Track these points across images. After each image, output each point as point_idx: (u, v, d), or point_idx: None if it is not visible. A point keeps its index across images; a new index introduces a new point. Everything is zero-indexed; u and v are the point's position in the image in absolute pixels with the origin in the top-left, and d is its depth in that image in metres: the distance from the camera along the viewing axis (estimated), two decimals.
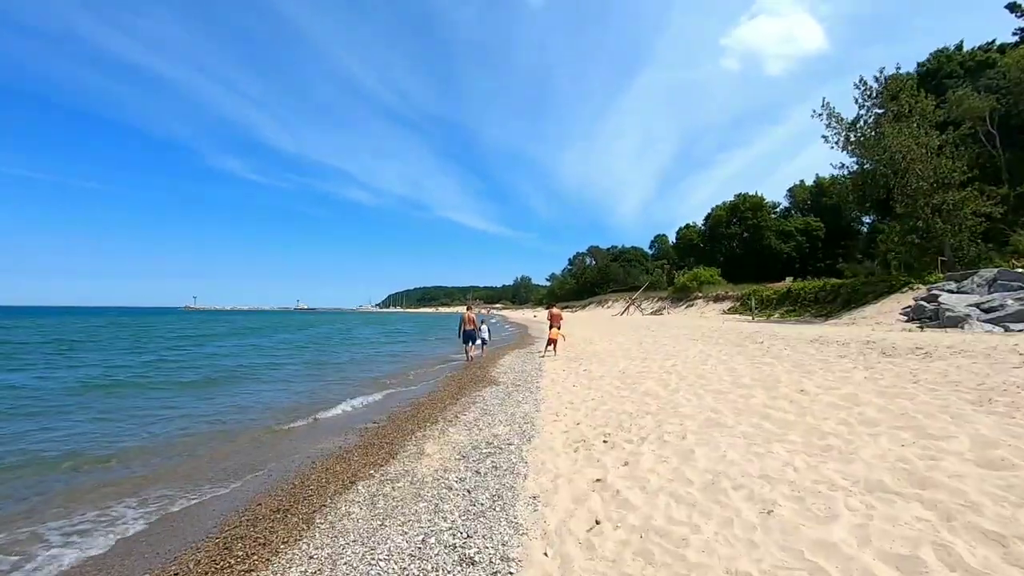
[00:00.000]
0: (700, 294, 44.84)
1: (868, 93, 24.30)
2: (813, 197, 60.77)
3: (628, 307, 48.46)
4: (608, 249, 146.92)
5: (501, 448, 5.84)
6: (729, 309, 36.75)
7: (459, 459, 5.51)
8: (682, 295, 47.28)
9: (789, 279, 46.83)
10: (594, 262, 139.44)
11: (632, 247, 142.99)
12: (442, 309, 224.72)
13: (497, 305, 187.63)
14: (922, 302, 18.91)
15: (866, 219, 58.75)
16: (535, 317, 72.01)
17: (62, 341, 27.43)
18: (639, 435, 5.61)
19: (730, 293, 40.63)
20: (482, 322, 23.58)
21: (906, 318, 19.11)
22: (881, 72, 24.57)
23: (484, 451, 5.75)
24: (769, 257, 57.23)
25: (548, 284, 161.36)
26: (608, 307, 70.75)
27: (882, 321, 19.25)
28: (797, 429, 5.04)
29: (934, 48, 39.81)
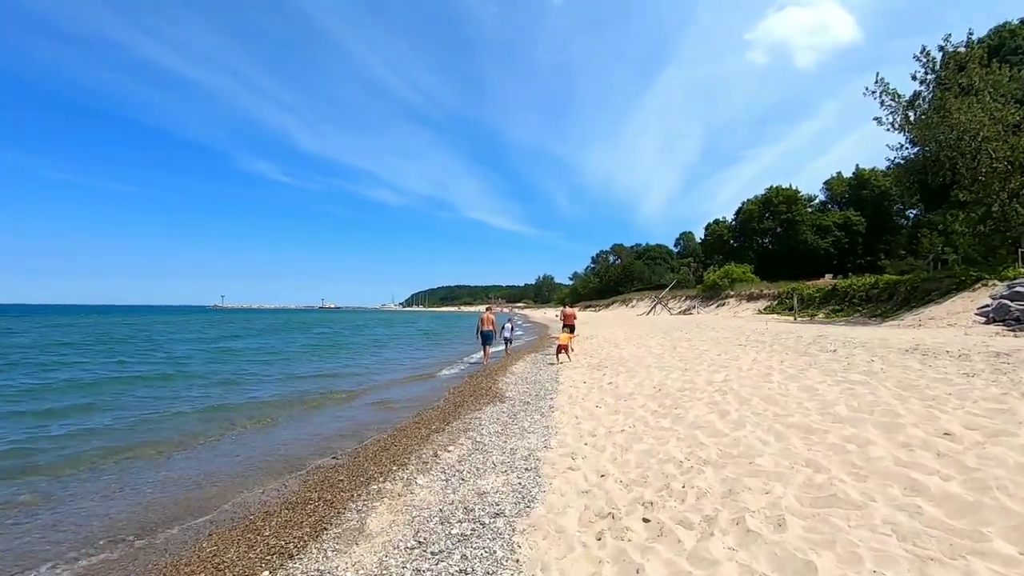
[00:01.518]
0: (732, 292, 42.00)
1: (931, 65, 21.40)
2: (852, 190, 57.13)
3: (655, 306, 45.74)
4: (632, 247, 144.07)
5: (482, 524, 3.76)
6: (765, 308, 33.96)
7: (409, 550, 3.45)
8: (712, 294, 44.44)
9: (828, 276, 43.68)
10: (618, 260, 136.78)
11: (657, 244, 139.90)
12: (464, 308, 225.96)
13: (519, 304, 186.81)
14: (1005, 300, 16.20)
15: (910, 212, 55.00)
16: (557, 316, 70.00)
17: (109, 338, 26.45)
18: (700, 510, 3.48)
19: (765, 291, 37.77)
20: (508, 320, 21.79)
21: (985, 319, 16.42)
22: (947, 40, 21.66)
23: (455, 531, 3.68)
24: (805, 253, 53.86)
25: (571, 283, 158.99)
26: (632, 306, 68.02)
27: (956, 323, 16.57)
28: (997, 523, 2.84)
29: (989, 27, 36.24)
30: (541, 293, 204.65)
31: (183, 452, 6.77)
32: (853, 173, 58.14)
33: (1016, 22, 34.99)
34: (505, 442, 6.13)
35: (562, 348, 15.47)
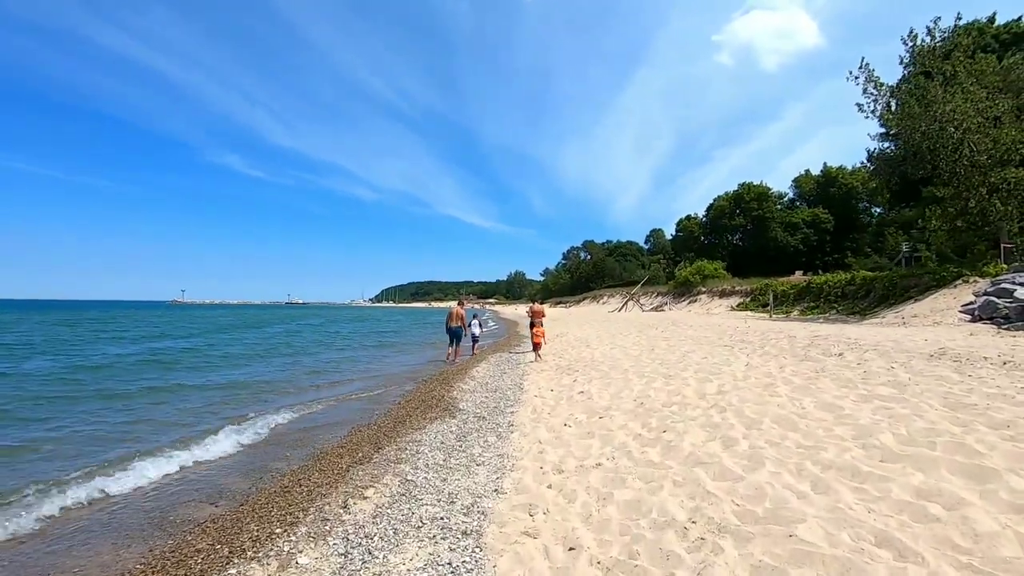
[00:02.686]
0: (704, 289, 41.36)
1: (919, 50, 20.68)
2: (820, 187, 57.44)
3: (627, 302, 44.80)
4: (603, 244, 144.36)
5: None
6: (738, 305, 33.29)
7: None
8: (683, 290, 43.77)
9: (799, 273, 43.52)
10: (589, 257, 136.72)
11: (628, 241, 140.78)
12: (435, 304, 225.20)
13: (491, 300, 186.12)
14: (991, 297, 15.49)
15: (875, 210, 55.63)
16: (526, 313, 68.74)
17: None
18: None
19: (737, 288, 37.19)
20: (473, 317, 20.29)
21: (970, 316, 15.72)
22: (935, 23, 20.95)
23: None
24: (775, 251, 53.88)
25: (542, 279, 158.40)
26: (604, 302, 67.25)
27: (941, 320, 15.81)
28: None
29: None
30: (513, 289, 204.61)
31: None
32: (821, 171, 58.50)
33: (984, 20, 35.04)
34: (444, 481, 4.61)
35: (538, 345, 14.17)
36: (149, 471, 5.53)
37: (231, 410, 8.85)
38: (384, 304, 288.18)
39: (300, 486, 4.84)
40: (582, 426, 6.07)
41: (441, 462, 5.23)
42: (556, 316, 44.23)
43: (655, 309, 38.87)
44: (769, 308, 27.41)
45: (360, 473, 5.06)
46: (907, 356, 7.48)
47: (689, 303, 40.19)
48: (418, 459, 5.38)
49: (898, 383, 5.79)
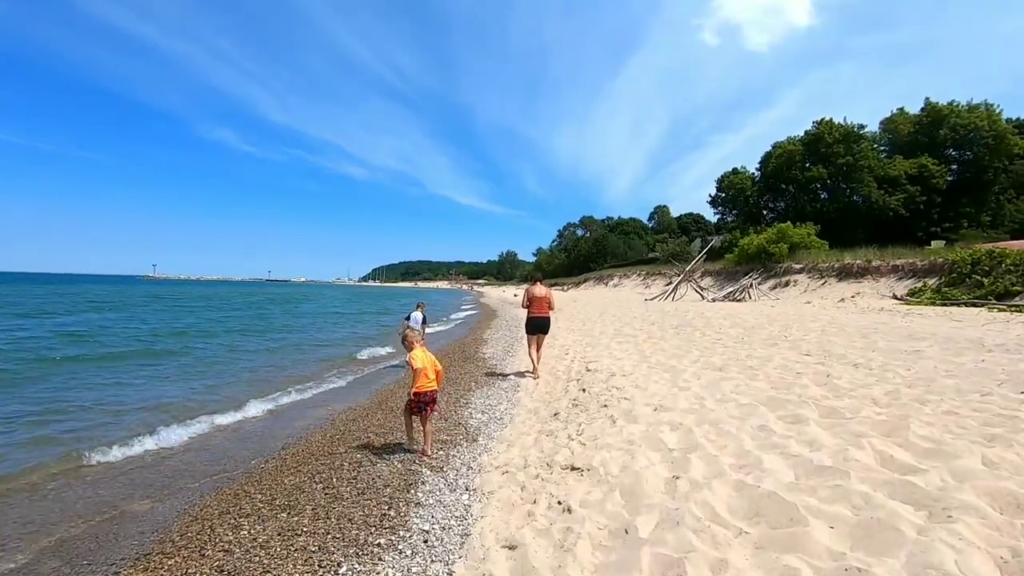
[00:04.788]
0: (796, 265, 25.18)
1: None
2: (924, 131, 41.07)
3: (678, 284, 27.44)
4: (603, 220, 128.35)
5: None
6: (913, 292, 17.14)
7: None
8: (750, 268, 27.61)
9: (938, 243, 27.42)
10: (587, 233, 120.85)
11: (631, 218, 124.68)
12: (421, 284, 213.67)
13: (480, 281, 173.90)
14: None
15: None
16: (516, 296, 52.88)
17: None
18: None
19: (872, 264, 21.15)
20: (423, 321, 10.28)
21: None
22: None
23: None
24: (866, 215, 37.75)
25: (535, 259, 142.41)
26: (615, 284, 51.05)
27: None
28: None
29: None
30: (504, 270, 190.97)
31: None
32: (923, 108, 42.08)
33: None
34: None
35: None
36: None
37: None
38: (371, 283, 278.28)
39: None
40: None
41: None
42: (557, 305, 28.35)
43: (733, 297, 22.43)
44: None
45: None
46: None
47: (777, 288, 23.89)
48: None
49: None
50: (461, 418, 5.82)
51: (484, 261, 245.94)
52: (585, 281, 65.12)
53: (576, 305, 25.75)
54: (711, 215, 62.49)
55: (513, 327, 17.69)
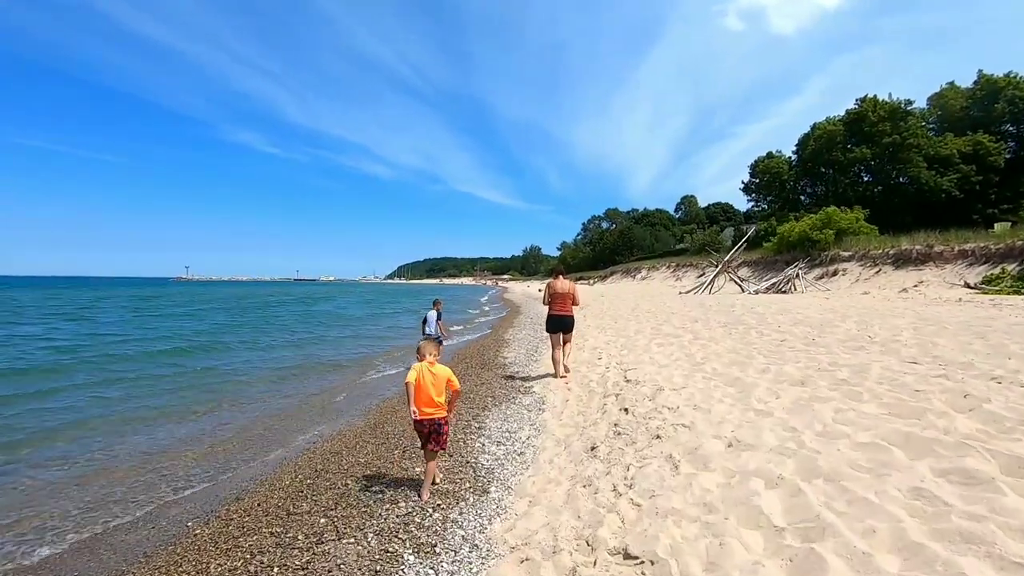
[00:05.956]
0: (845, 253, 23.17)
1: None
2: (978, 106, 38.03)
3: (715, 276, 25.22)
4: (628, 212, 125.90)
5: None
6: (985, 280, 15.20)
7: None
8: (793, 256, 25.64)
9: (1003, 225, 24.98)
10: (612, 226, 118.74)
11: (656, 209, 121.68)
12: (446, 280, 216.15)
13: (505, 276, 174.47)
14: None
15: None
16: (540, 292, 51.50)
17: None
18: None
19: (908, 248, 19.18)
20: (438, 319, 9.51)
21: None
22: None
23: None
24: (915, 198, 35.07)
25: (559, 252, 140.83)
26: (643, 277, 49.22)
27: None
28: None
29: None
30: (528, 265, 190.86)
31: None
32: (975, 81, 39.00)
33: None
34: None
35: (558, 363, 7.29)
36: None
37: None
38: (396, 281, 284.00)
39: None
40: None
41: None
42: (581, 300, 26.96)
43: (777, 288, 20.55)
44: None
45: None
46: None
47: (824, 277, 21.99)
48: None
49: None
50: (471, 451, 4.58)
51: (508, 256, 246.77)
52: (612, 274, 63.29)
53: (604, 300, 24.28)
54: (743, 203, 59.89)
55: (537, 325, 16.41)
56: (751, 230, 25.92)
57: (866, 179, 38.03)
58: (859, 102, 37.18)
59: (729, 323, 10.35)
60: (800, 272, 20.39)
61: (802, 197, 41.29)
